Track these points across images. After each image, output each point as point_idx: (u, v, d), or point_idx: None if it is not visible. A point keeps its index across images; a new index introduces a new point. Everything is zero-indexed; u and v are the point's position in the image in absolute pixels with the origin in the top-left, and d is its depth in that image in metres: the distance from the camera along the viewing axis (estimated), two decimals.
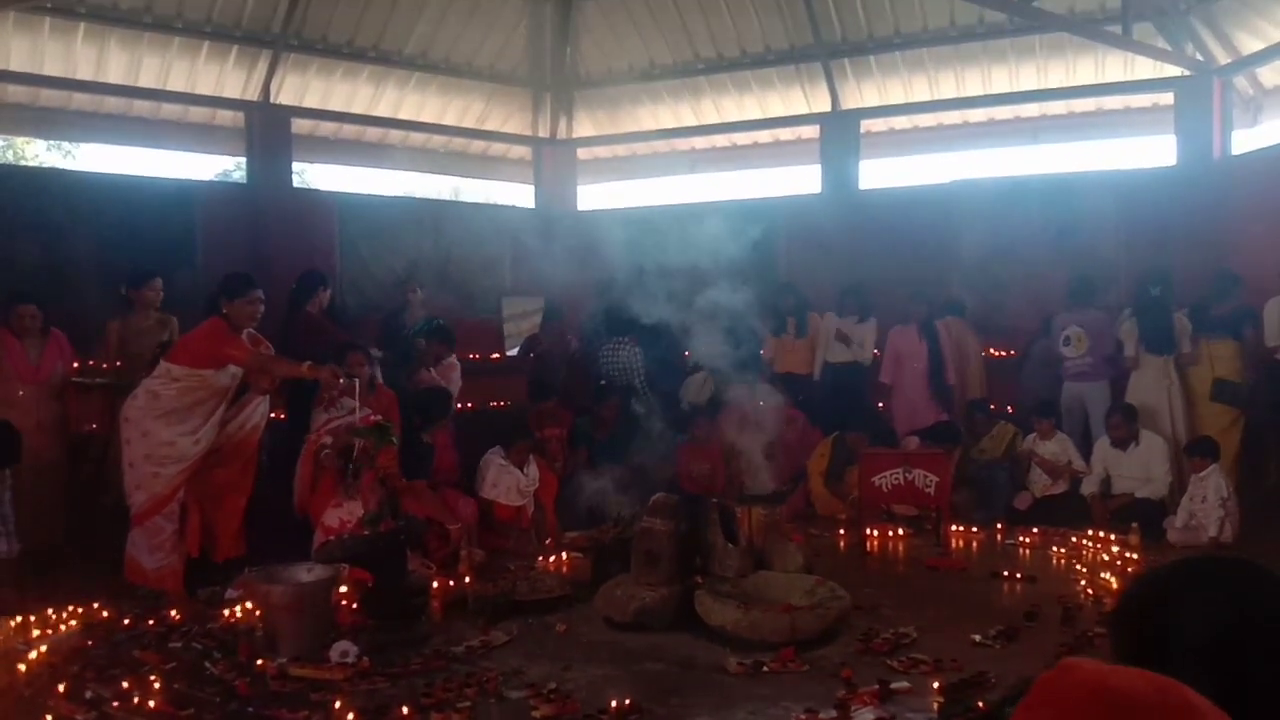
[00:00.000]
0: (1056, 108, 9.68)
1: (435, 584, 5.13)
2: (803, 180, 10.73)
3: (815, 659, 4.17)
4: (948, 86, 9.85)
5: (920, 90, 9.98)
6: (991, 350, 8.61)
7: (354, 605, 4.84)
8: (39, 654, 4.25)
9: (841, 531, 6.87)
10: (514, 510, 6.61)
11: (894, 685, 3.78)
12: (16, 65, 8.21)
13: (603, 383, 7.95)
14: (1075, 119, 9.69)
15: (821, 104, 10.25)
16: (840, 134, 10.16)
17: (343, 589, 4.84)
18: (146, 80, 8.84)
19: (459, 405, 7.55)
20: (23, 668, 4.10)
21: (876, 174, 10.40)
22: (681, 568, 4.81)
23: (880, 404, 8.38)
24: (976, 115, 10.00)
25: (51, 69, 8.36)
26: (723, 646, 4.32)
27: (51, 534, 6.01)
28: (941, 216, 9.31)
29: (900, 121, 10.30)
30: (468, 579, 5.32)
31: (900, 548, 6.57)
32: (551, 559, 6.11)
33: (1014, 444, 7.48)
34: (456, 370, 7.68)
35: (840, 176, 10.11)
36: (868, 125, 10.25)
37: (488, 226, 10.57)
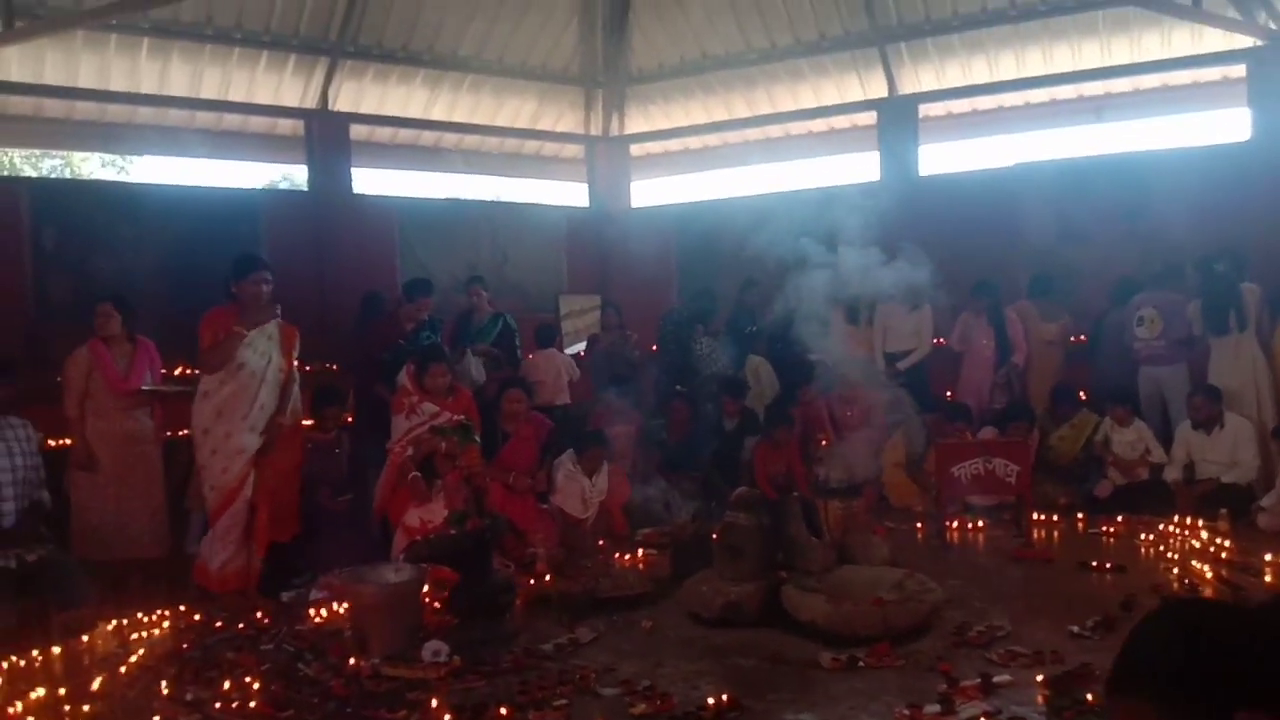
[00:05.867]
0: (1122, 85, 9.43)
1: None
2: (861, 168, 10.60)
3: (910, 653, 4.09)
4: (1008, 67, 9.64)
5: (979, 72, 9.78)
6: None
7: (438, 604, 4.86)
8: (138, 657, 4.34)
9: (919, 524, 6.77)
10: (578, 518, 6.59)
11: (996, 679, 3.69)
12: (85, 82, 8.40)
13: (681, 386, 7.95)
14: (1141, 95, 9.44)
15: (878, 89, 10.10)
16: (898, 120, 10.00)
17: (427, 588, 4.87)
18: (208, 92, 8.99)
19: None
20: (123, 670, 4.17)
21: (936, 159, 10.22)
22: (765, 563, 4.76)
23: (949, 392, 8.23)
24: (1038, 95, 9.76)
25: (117, 84, 8.54)
26: (812, 641, 4.26)
27: (155, 545, 5.87)
28: (1005, 201, 9.13)
29: (959, 105, 10.11)
30: (548, 577, 5.32)
31: (980, 538, 6.45)
32: (628, 556, 6.09)
33: (1094, 435, 7.28)
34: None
35: (899, 163, 9.95)
36: (926, 110, 10.08)
37: (542, 226, 10.62)
